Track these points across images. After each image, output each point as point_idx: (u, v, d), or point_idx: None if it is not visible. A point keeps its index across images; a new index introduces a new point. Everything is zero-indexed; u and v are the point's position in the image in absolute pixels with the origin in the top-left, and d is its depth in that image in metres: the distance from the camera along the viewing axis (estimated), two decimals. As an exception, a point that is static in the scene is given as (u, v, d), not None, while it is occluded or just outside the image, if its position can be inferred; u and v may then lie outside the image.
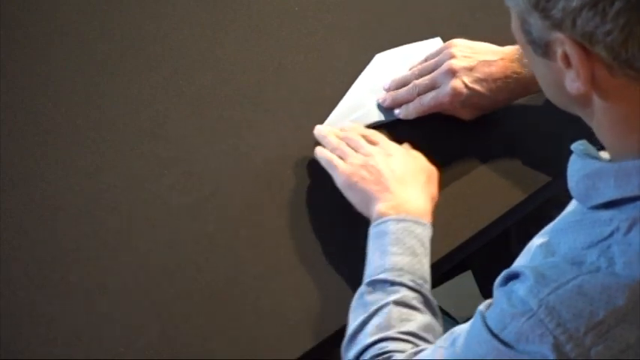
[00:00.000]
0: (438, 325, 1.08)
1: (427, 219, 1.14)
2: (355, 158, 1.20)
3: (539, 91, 1.23)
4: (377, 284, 1.09)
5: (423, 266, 1.11)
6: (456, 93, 1.24)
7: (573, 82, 0.83)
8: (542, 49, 0.84)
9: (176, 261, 1.20)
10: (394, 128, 1.30)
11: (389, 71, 1.34)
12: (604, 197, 0.85)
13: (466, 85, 1.24)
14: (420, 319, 1.06)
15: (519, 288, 0.85)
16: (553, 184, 1.26)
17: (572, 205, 0.94)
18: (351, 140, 1.23)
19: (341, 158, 1.21)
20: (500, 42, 1.27)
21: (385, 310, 1.06)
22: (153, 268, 1.20)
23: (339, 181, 1.20)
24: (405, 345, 1.04)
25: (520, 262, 0.97)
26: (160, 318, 1.16)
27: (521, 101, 1.28)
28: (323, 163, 1.23)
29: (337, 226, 1.23)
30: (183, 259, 1.20)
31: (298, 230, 1.22)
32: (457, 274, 1.53)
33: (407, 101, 1.28)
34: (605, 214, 0.85)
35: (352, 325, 1.09)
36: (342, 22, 1.43)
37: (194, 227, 1.23)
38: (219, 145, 1.30)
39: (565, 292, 0.82)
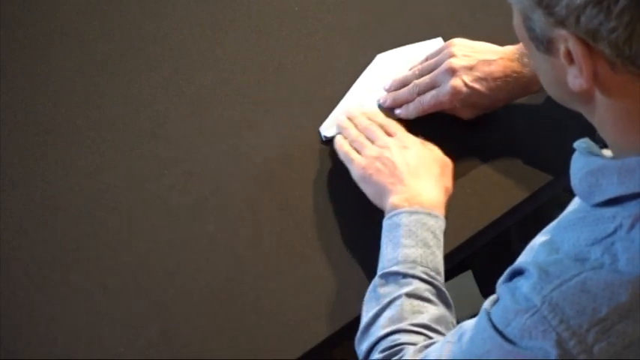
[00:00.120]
0: (450, 317, 1.09)
1: (440, 211, 1.15)
2: (371, 150, 1.21)
3: (539, 90, 1.25)
4: (389, 277, 1.10)
5: (435, 258, 1.11)
6: (455, 92, 1.24)
7: (576, 79, 0.83)
8: (545, 45, 0.85)
9: (176, 261, 1.20)
10: (394, 128, 1.30)
11: (390, 71, 1.34)
12: (607, 194, 0.85)
13: (466, 84, 1.24)
14: (432, 311, 1.07)
15: (523, 284, 0.85)
16: (553, 184, 1.26)
17: (575, 203, 0.94)
18: (370, 131, 1.24)
19: (358, 151, 1.22)
20: (501, 42, 1.27)
21: (398, 302, 1.07)
22: (153, 268, 1.20)
23: (354, 174, 1.21)
24: (417, 337, 1.05)
25: (523, 260, 0.97)
26: (159, 318, 1.16)
27: (521, 100, 1.28)
28: (341, 156, 1.24)
29: (337, 225, 1.23)
30: (183, 259, 1.20)
31: (298, 230, 1.22)
32: (457, 274, 1.53)
33: (407, 101, 1.28)
34: (609, 211, 0.85)
35: (365, 317, 1.09)
36: (342, 22, 1.43)
37: (194, 227, 1.23)
38: (219, 145, 1.30)
39: (568, 288, 0.82)
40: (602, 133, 0.88)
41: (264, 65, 1.38)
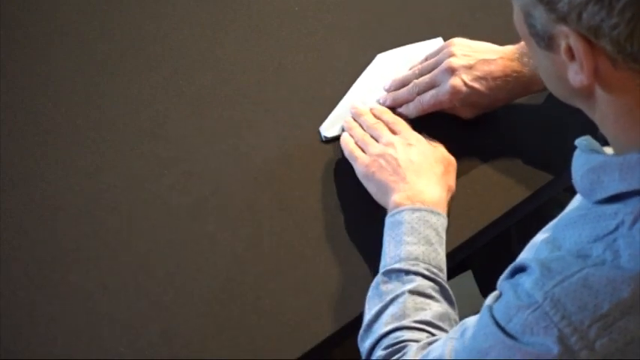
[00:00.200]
0: (453, 314, 1.09)
1: (442, 209, 1.16)
2: (375, 148, 1.21)
3: (539, 90, 1.25)
4: (392, 274, 1.10)
5: (438, 255, 1.12)
6: (455, 91, 1.24)
7: (576, 75, 0.83)
8: (546, 41, 0.85)
9: (176, 261, 1.20)
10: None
11: (390, 71, 1.34)
12: (609, 191, 0.85)
13: (465, 83, 1.24)
14: (435, 308, 1.07)
15: (525, 281, 0.85)
16: (553, 184, 1.26)
17: (577, 201, 0.94)
18: (374, 130, 1.24)
19: (362, 150, 1.22)
20: (501, 42, 1.27)
21: (401, 299, 1.07)
22: (153, 268, 1.20)
23: (358, 172, 1.22)
24: (420, 334, 1.05)
25: (525, 257, 0.97)
26: (159, 318, 1.16)
27: (521, 100, 1.28)
28: (346, 154, 1.24)
29: (337, 225, 1.23)
30: (183, 259, 1.20)
31: (298, 230, 1.22)
32: (457, 274, 1.53)
33: (407, 101, 1.28)
34: (610, 207, 0.85)
35: (368, 314, 1.10)
36: (342, 22, 1.43)
37: (194, 227, 1.23)
38: (219, 145, 1.30)
39: (570, 284, 0.82)
40: (603, 129, 0.88)
41: (264, 65, 1.38)
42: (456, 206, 1.21)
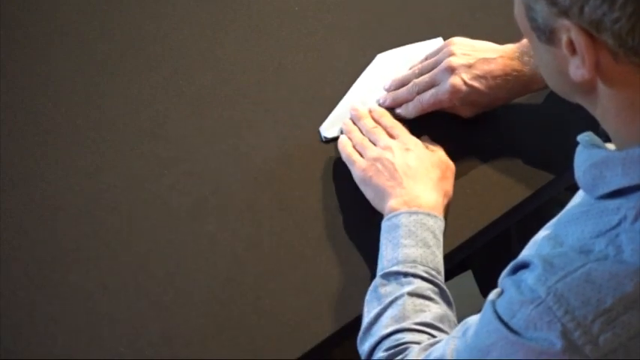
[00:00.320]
0: (452, 316, 1.09)
1: (439, 213, 1.15)
2: (372, 152, 1.21)
3: (539, 89, 1.25)
4: (390, 276, 1.10)
5: (435, 258, 1.12)
6: (454, 90, 1.24)
7: (578, 69, 0.83)
8: (547, 35, 0.85)
9: (176, 261, 1.20)
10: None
11: (390, 71, 1.33)
12: (611, 186, 0.85)
13: (465, 82, 1.24)
14: (435, 310, 1.07)
15: (528, 277, 0.85)
16: (554, 183, 1.26)
17: (579, 197, 0.94)
18: (373, 134, 1.24)
19: (360, 153, 1.22)
20: (501, 42, 1.27)
21: (400, 301, 1.07)
22: (153, 268, 1.19)
23: (355, 176, 1.21)
24: (420, 336, 1.04)
25: (527, 253, 0.96)
26: (159, 318, 1.16)
27: (521, 99, 1.28)
28: (343, 158, 1.24)
29: (337, 225, 1.22)
30: (183, 259, 1.20)
31: (298, 230, 1.22)
32: (457, 274, 1.53)
33: (407, 100, 1.28)
34: (613, 203, 0.85)
35: (367, 317, 1.09)
36: (342, 22, 1.43)
37: (194, 227, 1.23)
38: (219, 145, 1.30)
39: (573, 279, 0.82)
40: (605, 124, 0.88)
41: (264, 65, 1.38)
42: (455, 206, 1.21)
